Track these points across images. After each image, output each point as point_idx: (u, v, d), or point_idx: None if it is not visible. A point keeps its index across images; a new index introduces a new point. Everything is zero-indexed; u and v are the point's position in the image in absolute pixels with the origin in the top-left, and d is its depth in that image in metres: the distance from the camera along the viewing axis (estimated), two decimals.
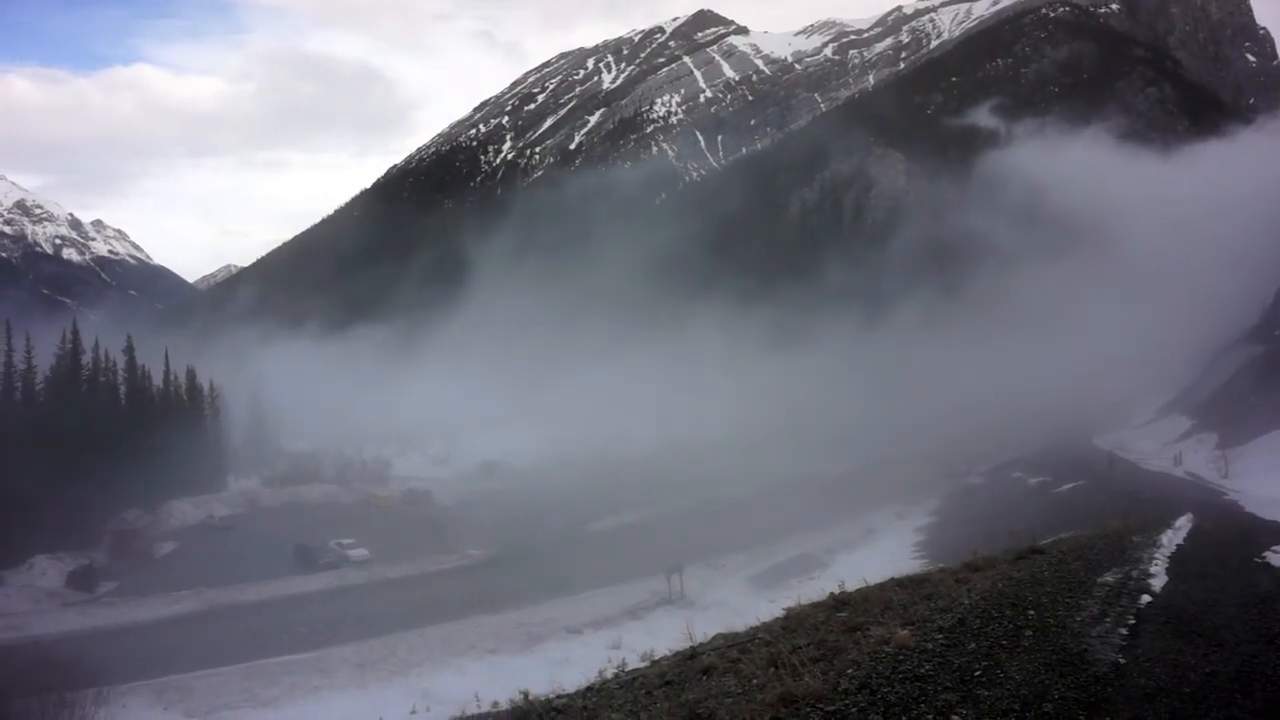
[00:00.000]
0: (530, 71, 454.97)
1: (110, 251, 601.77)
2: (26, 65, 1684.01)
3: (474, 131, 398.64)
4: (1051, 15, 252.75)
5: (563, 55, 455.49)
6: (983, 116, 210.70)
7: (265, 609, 56.02)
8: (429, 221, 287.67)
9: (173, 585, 63.59)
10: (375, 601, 55.48)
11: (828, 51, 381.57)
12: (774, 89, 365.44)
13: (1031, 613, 13.06)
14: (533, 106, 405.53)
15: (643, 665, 19.44)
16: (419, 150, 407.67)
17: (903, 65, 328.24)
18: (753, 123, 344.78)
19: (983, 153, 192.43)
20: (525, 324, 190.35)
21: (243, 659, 44.29)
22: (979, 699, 9.60)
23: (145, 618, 55.57)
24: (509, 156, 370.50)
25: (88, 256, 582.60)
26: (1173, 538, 24.01)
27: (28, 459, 68.62)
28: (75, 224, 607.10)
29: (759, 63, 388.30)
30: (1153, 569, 17.34)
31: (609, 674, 18.73)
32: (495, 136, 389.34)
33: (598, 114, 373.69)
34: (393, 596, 56.80)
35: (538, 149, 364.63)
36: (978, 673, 10.40)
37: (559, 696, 16.00)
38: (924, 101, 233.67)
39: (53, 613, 59.41)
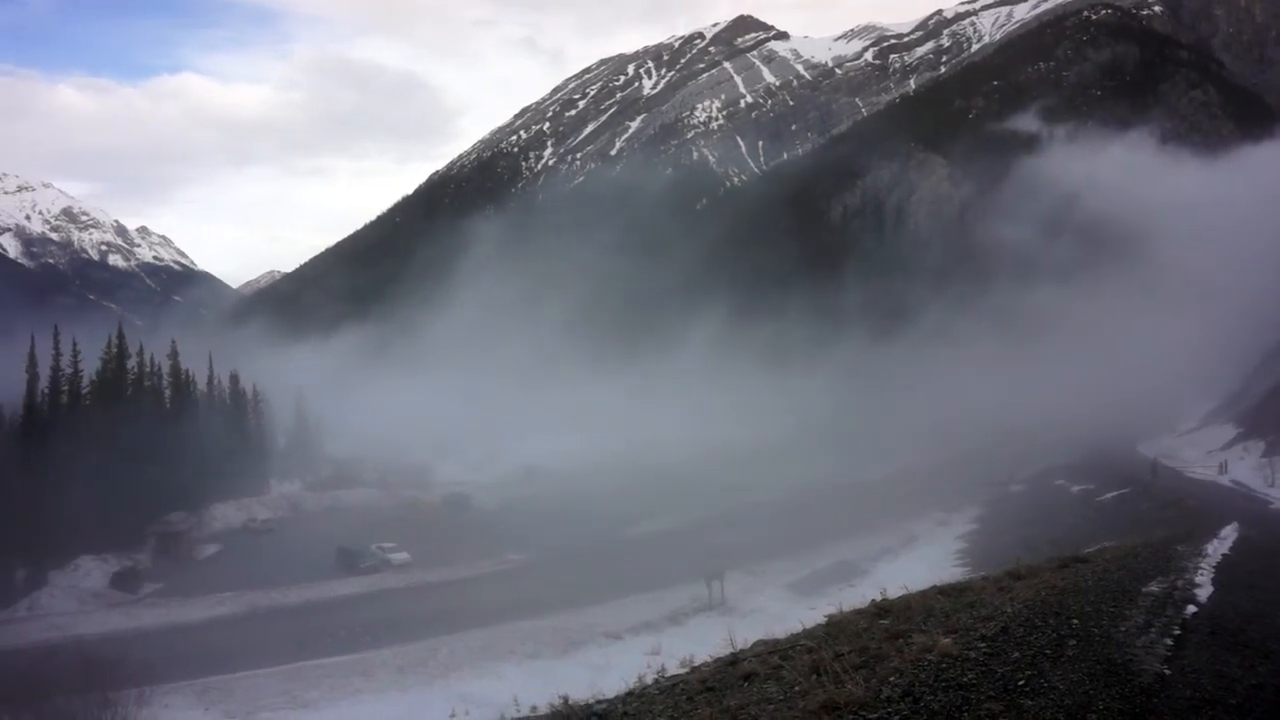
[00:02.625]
0: (571, 78, 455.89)
1: (155, 258, 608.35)
2: (74, 75, 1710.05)
3: (515, 138, 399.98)
4: (1093, 18, 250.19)
5: (603, 61, 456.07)
6: (1024, 120, 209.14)
7: (306, 611, 56.36)
8: (469, 227, 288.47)
9: (215, 587, 64.16)
10: (415, 605, 55.66)
11: (868, 56, 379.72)
12: (814, 94, 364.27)
13: (1075, 622, 12.93)
14: (573, 112, 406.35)
15: (683, 671, 19.40)
16: (460, 156, 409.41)
17: (943, 69, 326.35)
18: (793, 128, 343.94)
19: (1024, 156, 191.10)
20: (564, 330, 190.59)
21: (283, 661, 44.58)
22: (1023, 709, 9.51)
23: (188, 619, 56.06)
24: (550, 162, 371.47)
25: (133, 263, 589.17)
26: (1218, 547, 23.74)
27: (74, 462, 69.44)
28: (121, 231, 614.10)
29: (799, 68, 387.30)
30: (1198, 579, 17.13)
31: (649, 679, 18.69)
32: (536, 142, 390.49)
33: (638, 120, 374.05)
34: (433, 600, 56.93)
35: (578, 155, 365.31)
36: (1021, 682, 10.30)
37: (599, 701, 15.98)
38: (965, 106, 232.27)
39: (97, 613, 60.13)
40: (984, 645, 11.89)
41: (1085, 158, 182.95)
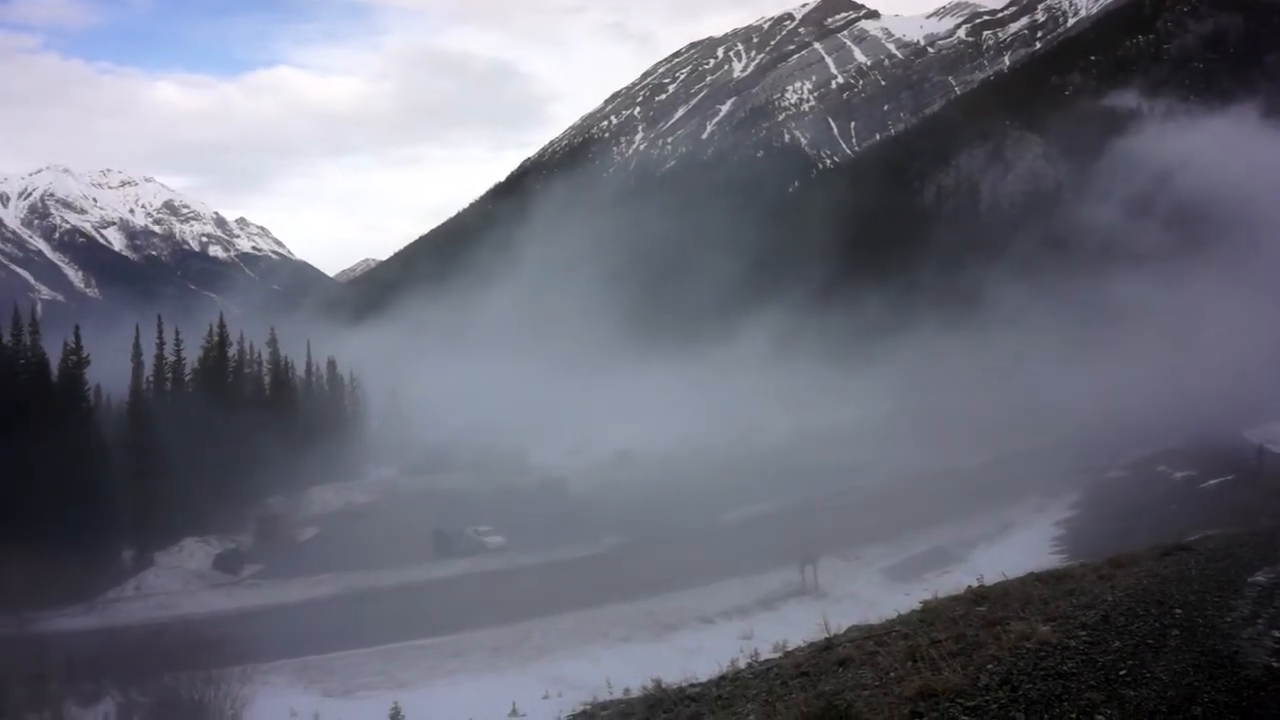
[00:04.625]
0: (660, 62, 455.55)
1: (254, 248, 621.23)
2: (173, 72, 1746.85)
3: (606, 123, 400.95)
4: None
5: (693, 45, 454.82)
6: (1123, 96, 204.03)
7: (402, 593, 57.20)
8: (560, 213, 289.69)
9: (314, 569, 65.45)
10: (510, 588, 56.20)
11: (961, 33, 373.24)
12: (907, 73, 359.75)
13: (1178, 611, 12.61)
14: (664, 97, 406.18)
15: (776, 656, 19.33)
16: (552, 143, 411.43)
17: (1039, 45, 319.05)
18: (886, 108, 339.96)
19: (1122, 134, 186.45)
20: (656, 313, 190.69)
21: (380, 641, 45.38)
22: (1124, 699, 9.28)
23: (287, 600, 57.34)
24: (641, 147, 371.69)
25: (232, 253, 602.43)
26: None
27: (178, 447, 71.14)
28: (220, 222, 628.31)
29: (891, 47, 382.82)
30: None
31: (742, 664, 18.65)
32: (627, 127, 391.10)
33: (729, 103, 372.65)
34: (527, 583, 57.41)
35: (669, 139, 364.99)
36: (1123, 672, 10.06)
37: (692, 685, 15.98)
38: (1061, 82, 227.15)
39: (200, 593, 61.76)
40: (1084, 634, 11.65)
41: (1184, 135, 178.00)
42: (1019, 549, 52.98)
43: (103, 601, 59.48)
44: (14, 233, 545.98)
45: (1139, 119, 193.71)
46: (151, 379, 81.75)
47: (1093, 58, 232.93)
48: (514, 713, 33.14)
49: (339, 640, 45.54)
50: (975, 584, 19.56)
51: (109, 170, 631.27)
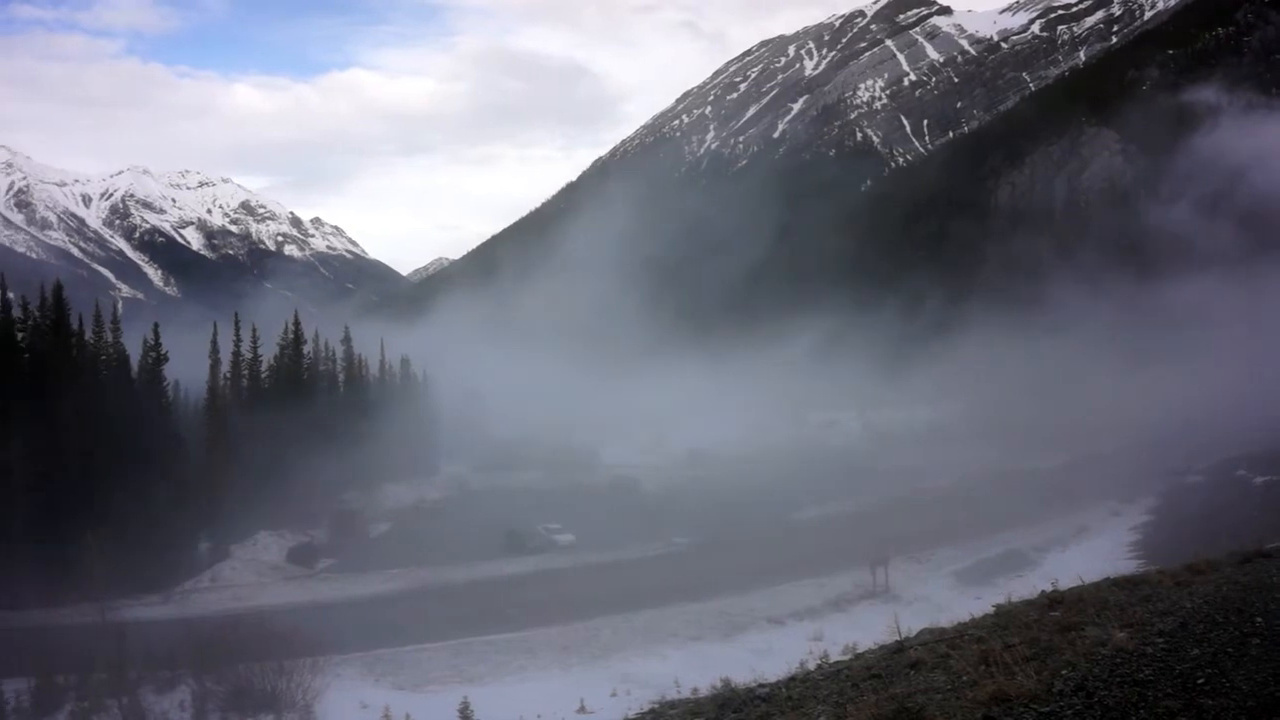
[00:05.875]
0: (732, 60, 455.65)
1: (328, 247, 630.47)
2: (250, 75, 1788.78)
3: (677, 122, 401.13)
4: None
5: (764, 43, 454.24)
6: (1201, 91, 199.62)
7: (473, 589, 57.60)
8: (633, 212, 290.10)
9: (386, 564, 66.14)
10: (580, 586, 56.33)
11: (1035, 28, 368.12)
12: (980, 69, 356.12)
13: (1259, 620, 12.32)
14: (735, 95, 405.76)
15: (846, 658, 19.20)
16: (623, 142, 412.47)
17: (1114, 39, 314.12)
18: (959, 105, 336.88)
19: (1200, 129, 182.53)
20: (727, 311, 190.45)
21: (451, 636, 45.69)
22: (1202, 708, 9.09)
23: (359, 593, 57.95)
24: (713, 146, 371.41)
25: (307, 252, 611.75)
26: None
27: (253, 443, 72.28)
28: (296, 222, 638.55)
29: (964, 43, 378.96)
30: None
31: (812, 665, 18.55)
32: (699, 126, 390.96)
33: (800, 101, 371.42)
34: (597, 581, 57.51)
35: (741, 138, 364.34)
36: (1201, 681, 9.85)
37: (762, 685, 15.90)
38: (1138, 77, 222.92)
39: (275, 585, 62.70)
40: (1161, 641, 11.43)
41: (1264, 131, 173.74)
42: (1094, 554, 52.30)
43: (180, 592, 60.55)
44: (96, 232, 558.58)
45: (1217, 115, 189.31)
46: (228, 376, 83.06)
47: (1170, 51, 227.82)
48: (582, 709, 33.27)
49: (410, 634, 45.95)
50: (1049, 588, 19.29)
51: (187, 171, 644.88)
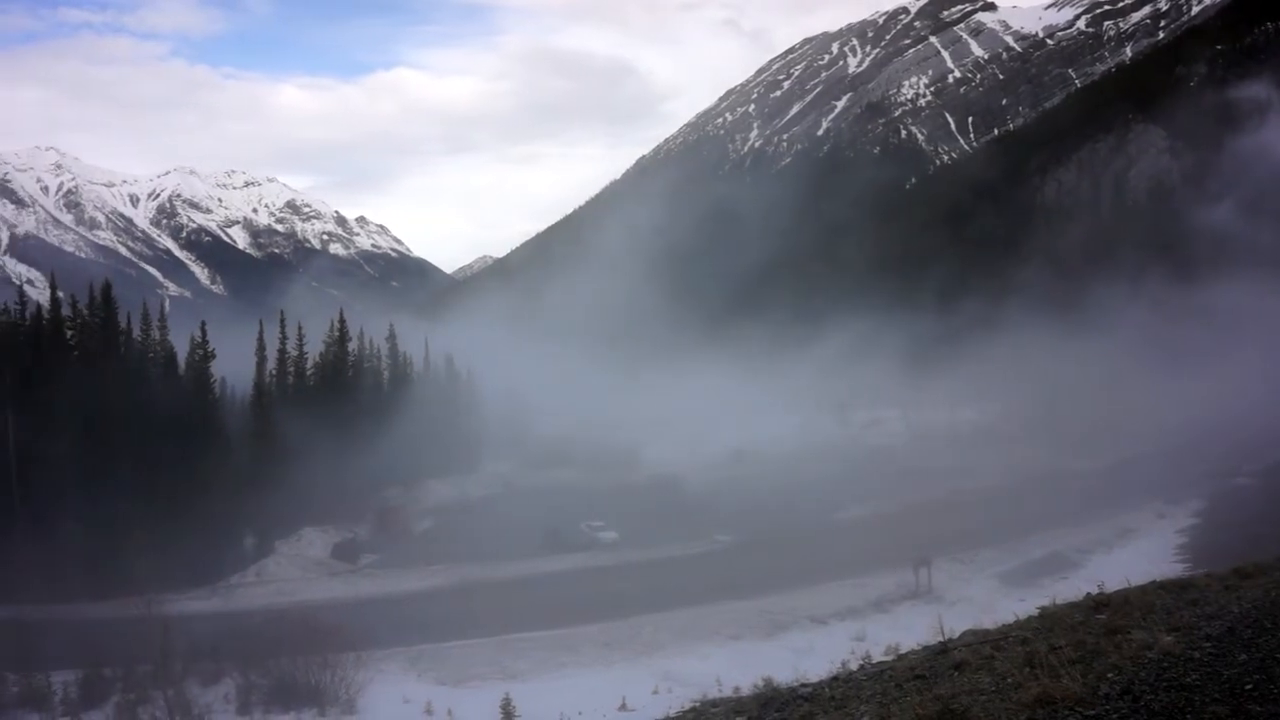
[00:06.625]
0: (775, 58, 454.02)
1: (373, 245, 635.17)
2: (295, 76, 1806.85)
3: (720, 120, 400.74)
4: None
5: (807, 40, 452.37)
6: (1251, 87, 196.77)
7: (515, 586, 57.69)
8: (675, 211, 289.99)
9: (428, 560, 66.50)
10: (622, 583, 56.25)
11: (1081, 24, 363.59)
12: (1025, 66, 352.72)
13: None
14: (778, 93, 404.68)
15: (889, 658, 19.07)
16: (667, 140, 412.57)
17: (1162, 35, 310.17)
18: (1004, 102, 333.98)
19: (1249, 126, 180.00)
20: (770, 311, 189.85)
21: (493, 632, 45.77)
22: (1250, 715, 8.90)
23: (402, 589, 58.25)
24: (756, 144, 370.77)
25: (352, 251, 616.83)
26: None
27: (298, 439, 72.90)
28: (341, 221, 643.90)
29: (1009, 39, 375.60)
30: None
31: (854, 665, 18.44)
32: (742, 124, 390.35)
33: (844, 99, 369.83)
34: (639, 579, 57.42)
35: (784, 136, 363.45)
36: (1249, 686, 9.66)
37: (804, 685, 15.80)
38: (1186, 73, 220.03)
39: (318, 580, 63.21)
40: (1209, 645, 11.24)
41: None
42: (1140, 556, 51.63)
43: (225, 586, 61.14)
44: (144, 232, 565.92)
45: (1266, 111, 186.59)
46: (274, 373, 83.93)
47: (1218, 47, 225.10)
48: (623, 707, 33.26)
49: (452, 630, 46.10)
50: (1094, 591, 19.07)
51: (233, 171, 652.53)
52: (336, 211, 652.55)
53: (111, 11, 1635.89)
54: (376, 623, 44.73)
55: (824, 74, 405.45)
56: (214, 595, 58.00)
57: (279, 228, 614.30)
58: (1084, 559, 56.83)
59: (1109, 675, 10.36)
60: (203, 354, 73.84)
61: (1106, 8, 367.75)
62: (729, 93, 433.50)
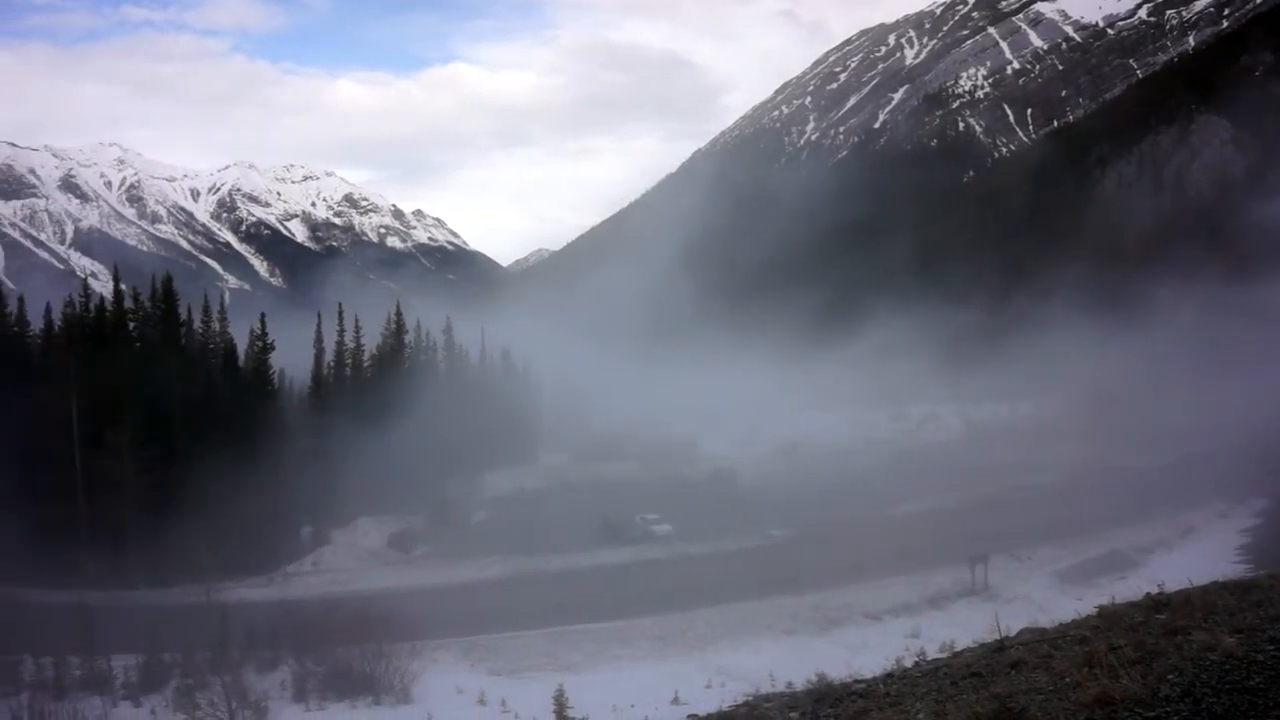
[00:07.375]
0: (831, 50, 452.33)
1: (430, 238, 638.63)
2: (353, 71, 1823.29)
3: (777, 113, 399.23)
4: None
5: (863, 32, 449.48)
6: None
7: (570, 578, 57.80)
8: (731, 205, 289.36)
9: (483, 551, 66.67)
10: (676, 576, 56.20)
11: (1142, 13, 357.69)
12: (1085, 57, 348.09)
13: None
14: (835, 86, 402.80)
15: (944, 655, 18.90)
16: (723, 133, 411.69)
17: (1226, 23, 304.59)
18: (1064, 93, 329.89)
19: None
20: (826, 304, 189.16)
21: (546, 624, 45.90)
22: None
23: (456, 579, 58.60)
24: (813, 137, 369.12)
25: (409, 244, 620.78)
26: None
27: (356, 430, 73.54)
28: (397, 214, 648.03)
29: (1068, 29, 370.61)
30: None
31: (908, 662, 18.29)
32: (798, 117, 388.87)
33: (901, 91, 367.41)
34: (693, 572, 57.34)
35: (841, 129, 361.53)
36: None
37: (858, 681, 15.70)
38: (1251, 62, 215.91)
39: (374, 570, 63.81)
40: (1272, 648, 11.01)
41: None
42: (1201, 556, 50.82)
43: (282, 575, 61.85)
44: (204, 226, 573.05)
45: None
46: (332, 365, 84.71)
47: None
48: (676, 700, 33.21)
49: (506, 621, 46.28)
50: (1154, 590, 18.78)
51: (292, 165, 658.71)
52: (393, 205, 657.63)
53: (173, 9, 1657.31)
54: (430, 613, 44.96)
55: (881, 66, 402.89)
56: (271, 583, 58.72)
57: (336, 221, 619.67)
58: (1144, 558, 56.01)
59: (1169, 676, 10.18)
60: (262, 345, 74.81)
61: None
62: (785, 85, 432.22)
